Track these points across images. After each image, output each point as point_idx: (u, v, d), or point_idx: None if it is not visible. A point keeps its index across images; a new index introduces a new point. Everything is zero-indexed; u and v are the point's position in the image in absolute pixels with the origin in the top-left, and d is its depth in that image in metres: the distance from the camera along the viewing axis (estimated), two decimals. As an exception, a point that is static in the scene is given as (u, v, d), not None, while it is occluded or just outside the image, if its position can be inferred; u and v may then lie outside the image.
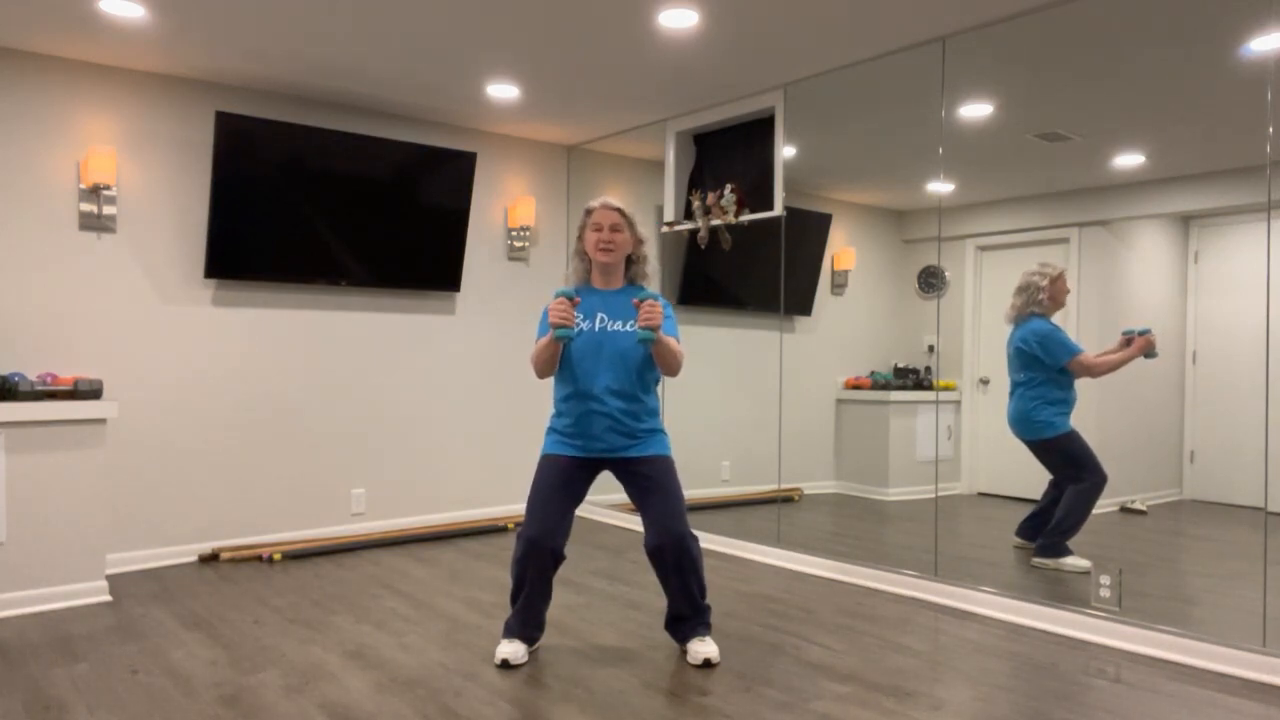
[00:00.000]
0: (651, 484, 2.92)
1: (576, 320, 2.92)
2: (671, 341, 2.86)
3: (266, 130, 4.32)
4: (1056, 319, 3.62)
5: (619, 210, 2.95)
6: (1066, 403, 3.61)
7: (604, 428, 2.92)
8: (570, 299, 2.83)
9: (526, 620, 2.99)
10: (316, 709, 2.59)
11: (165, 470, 4.29)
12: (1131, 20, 3.25)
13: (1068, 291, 3.59)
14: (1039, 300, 3.62)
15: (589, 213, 2.98)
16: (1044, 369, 3.64)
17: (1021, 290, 3.68)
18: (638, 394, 2.94)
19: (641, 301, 2.77)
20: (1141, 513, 3.49)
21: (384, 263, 4.81)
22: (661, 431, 3.03)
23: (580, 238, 3.01)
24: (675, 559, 2.90)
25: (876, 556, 4.06)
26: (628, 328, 2.92)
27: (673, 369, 2.89)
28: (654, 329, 2.74)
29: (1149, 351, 3.36)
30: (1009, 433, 3.77)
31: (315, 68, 4.17)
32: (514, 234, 5.44)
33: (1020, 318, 3.70)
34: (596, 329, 2.92)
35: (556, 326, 2.79)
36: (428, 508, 5.15)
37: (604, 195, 3.07)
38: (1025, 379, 3.70)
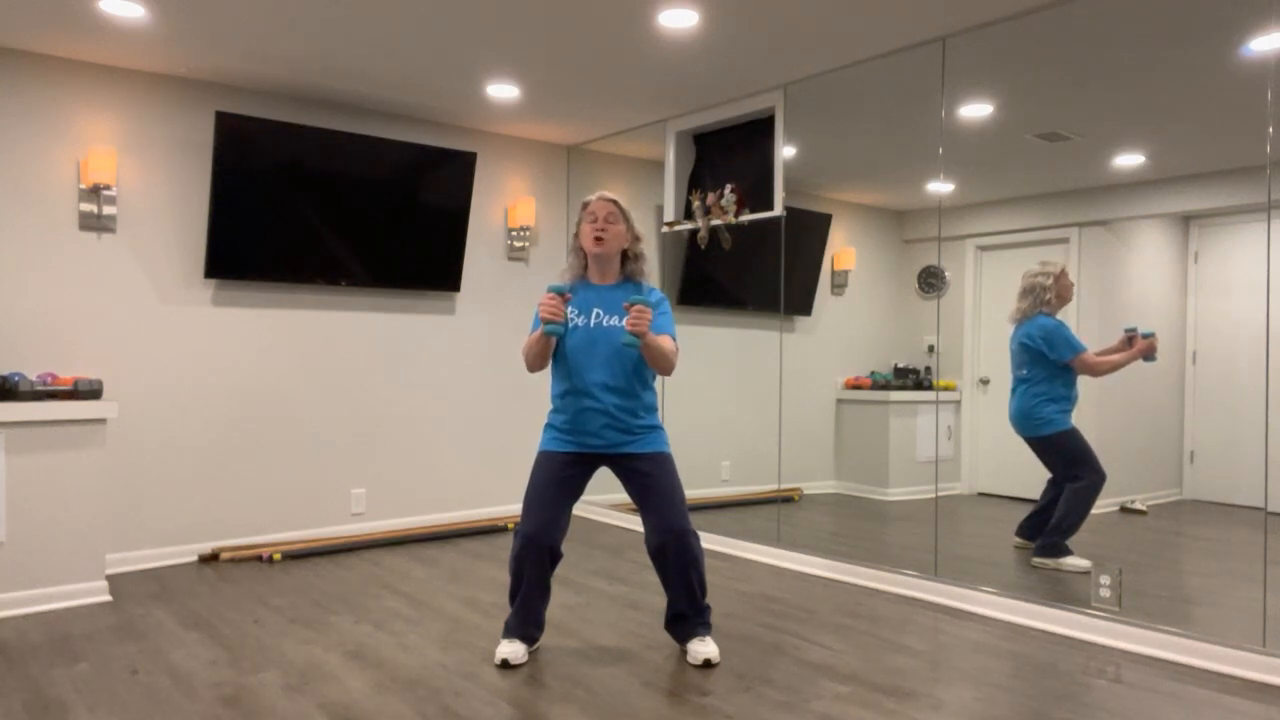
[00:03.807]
0: (651, 481, 2.91)
1: (571, 315, 2.91)
2: (664, 340, 2.83)
3: (266, 130, 4.32)
4: (1059, 317, 3.63)
5: (614, 201, 2.95)
6: (1068, 400, 3.61)
7: (601, 424, 2.91)
8: (561, 294, 2.83)
9: (526, 619, 2.99)
10: (316, 709, 2.59)
11: (165, 470, 4.29)
12: (1131, 20, 3.25)
13: (1072, 286, 3.60)
14: (1047, 300, 3.62)
15: (585, 205, 2.98)
16: (1047, 365, 3.64)
17: (1027, 293, 3.67)
18: (634, 389, 2.93)
19: (632, 304, 2.74)
20: (1141, 513, 3.49)
21: (384, 263, 4.81)
22: (659, 428, 3.01)
23: (577, 233, 3.01)
24: (677, 556, 2.89)
25: (876, 556, 4.06)
26: (623, 323, 2.90)
27: (664, 369, 2.87)
28: (640, 335, 2.72)
29: (1149, 355, 3.37)
30: (1009, 432, 3.77)
31: (315, 68, 4.17)
32: (514, 234, 5.44)
33: (1026, 319, 3.69)
34: (591, 324, 2.91)
35: (546, 322, 2.80)
36: (428, 508, 5.15)
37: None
38: (1028, 375, 3.70)
